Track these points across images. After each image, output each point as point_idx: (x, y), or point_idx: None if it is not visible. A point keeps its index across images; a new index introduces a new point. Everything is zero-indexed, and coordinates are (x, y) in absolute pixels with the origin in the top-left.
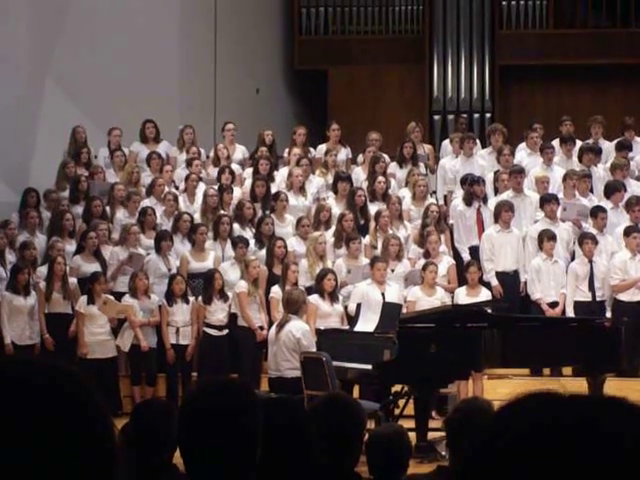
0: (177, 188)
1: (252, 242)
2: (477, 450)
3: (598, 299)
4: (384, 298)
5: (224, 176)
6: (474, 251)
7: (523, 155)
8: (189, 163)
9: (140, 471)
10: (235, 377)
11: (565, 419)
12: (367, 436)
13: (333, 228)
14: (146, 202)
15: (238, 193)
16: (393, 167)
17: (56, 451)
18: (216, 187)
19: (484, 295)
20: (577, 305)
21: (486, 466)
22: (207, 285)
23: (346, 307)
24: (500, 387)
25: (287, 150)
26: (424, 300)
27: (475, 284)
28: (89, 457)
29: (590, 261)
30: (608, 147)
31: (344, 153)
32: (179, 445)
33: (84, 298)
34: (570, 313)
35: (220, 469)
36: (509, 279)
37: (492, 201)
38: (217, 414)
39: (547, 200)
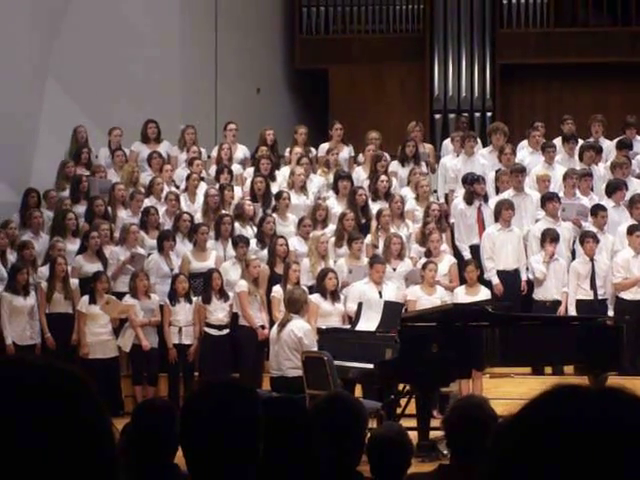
0: (178, 188)
1: (254, 242)
2: (497, 447)
3: (600, 297)
4: (381, 297)
5: (222, 176)
6: (474, 250)
7: (525, 154)
8: (190, 163)
9: (141, 471)
10: (236, 377)
11: (587, 413)
12: (368, 436)
13: (332, 227)
14: (146, 202)
15: (239, 193)
16: (395, 166)
17: (55, 452)
18: (217, 187)
19: (483, 294)
20: (579, 304)
21: (508, 461)
22: (206, 285)
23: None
24: (502, 386)
25: (288, 149)
26: (424, 299)
27: (474, 283)
28: (88, 458)
29: (591, 259)
30: (609, 146)
31: (346, 152)
32: (180, 445)
33: (85, 298)
34: (572, 312)
35: (221, 468)
36: (510, 278)
37: (493, 200)
38: (218, 414)
39: (549, 198)
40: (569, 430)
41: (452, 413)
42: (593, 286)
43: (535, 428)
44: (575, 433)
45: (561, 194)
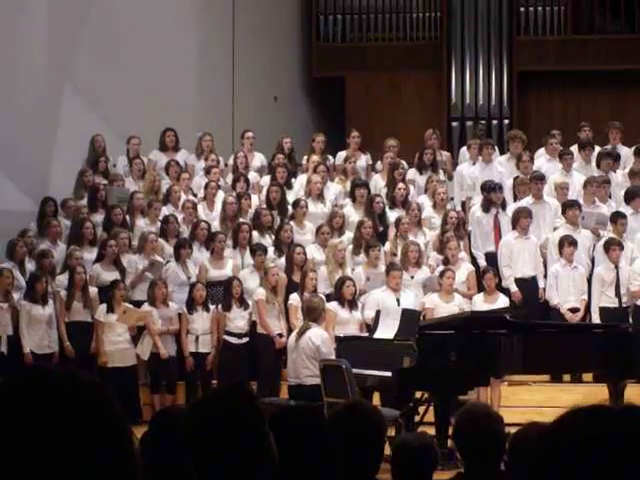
0: (195, 196)
1: (271, 250)
2: (537, 460)
3: (624, 305)
4: (399, 305)
5: (239, 184)
6: (490, 257)
7: (542, 161)
8: (208, 171)
9: (159, 478)
10: (234, 382)
11: (614, 431)
12: (395, 443)
13: (349, 235)
14: (164, 210)
15: (256, 201)
16: (412, 173)
17: (76, 459)
18: (235, 195)
19: (501, 302)
20: (604, 311)
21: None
22: (226, 293)
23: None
24: (520, 393)
25: (305, 157)
26: (442, 307)
27: (492, 291)
28: (108, 465)
29: (616, 267)
30: (627, 153)
31: (364, 160)
32: (187, 452)
33: (103, 307)
34: (596, 319)
35: (228, 475)
36: (527, 285)
37: (511, 208)
38: (215, 420)
39: (569, 206)
40: (599, 448)
41: (459, 426)
42: (618, 293)
43: (566, 448)
44: (605, 450)
45: (580, 201)
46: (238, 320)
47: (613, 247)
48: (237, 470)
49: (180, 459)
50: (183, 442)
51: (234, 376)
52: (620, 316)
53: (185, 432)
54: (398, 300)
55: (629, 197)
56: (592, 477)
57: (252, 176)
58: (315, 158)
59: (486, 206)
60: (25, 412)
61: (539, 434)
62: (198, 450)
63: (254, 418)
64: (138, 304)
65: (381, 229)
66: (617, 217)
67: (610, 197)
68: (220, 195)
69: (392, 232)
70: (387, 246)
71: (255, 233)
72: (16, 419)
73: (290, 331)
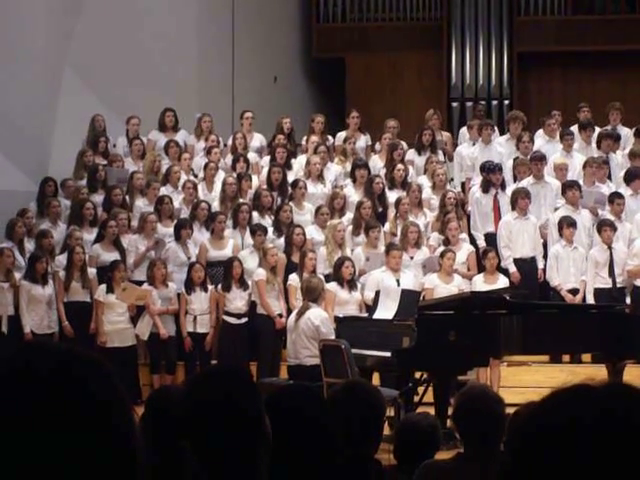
0: (196, 176)
1: (270, 230)
2: (513, 446)
3: (619, 285)
4: (399, 285)
5: (239, 165)
6: (489, 238)
7: (541, 142)
8: (208, 151)
9: (156, 456)
10: (228, 363)
11: (596, 413)
12: (400, 423)
13: (349, 215)
14: (163, 190)
15: (256, 181)
16: (412, 154)
17: (77, 437)
18: (235, 175)
19: (502, 282)
20: (598, 292)
21: (535, 453)
22: (226, 273)
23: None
24: (519, 374)
25: (305, 138)
26: (442, 287)
27: (493, 271)
28: (110, 443)
29: (609, 247)
30: (627, 133)
31: (363, 140)
32: (185, 436)
33: (103, 287)
34: (590, 300)
35: (225, 455)
36: (527, 266)
37: (511, 188)
38: (210, 402)
39: (569, 186)
40: (581, 429)
41: (458, 408)
42: (612, 274)
43: (549, 430)
44: (587, 431)
45: (580, 182)
46: (237, 301)
47: (605, 228)
48: (234, 451)
49: (176, 438)
50: (179, 422)
51: (233, 357)
52: (614, 297)
53: (181, 413)
54: (398, 280)
55: (629, 178)
56: (575, 458)
57: (251, 157)
58: (315, 139)
59: (485, 187)
60: (25, 388)
61: (523, 416)
62: (194, 431)
63: (249, 399)
64: (138, 284)
65: (380, 210)
66: (615, 197)
67: (610, 178)
68: (220, 175)
69: (392, 213)
70: (387, 227)
71: (255, 213)
72: (15, 394)
73: (289, 311)
